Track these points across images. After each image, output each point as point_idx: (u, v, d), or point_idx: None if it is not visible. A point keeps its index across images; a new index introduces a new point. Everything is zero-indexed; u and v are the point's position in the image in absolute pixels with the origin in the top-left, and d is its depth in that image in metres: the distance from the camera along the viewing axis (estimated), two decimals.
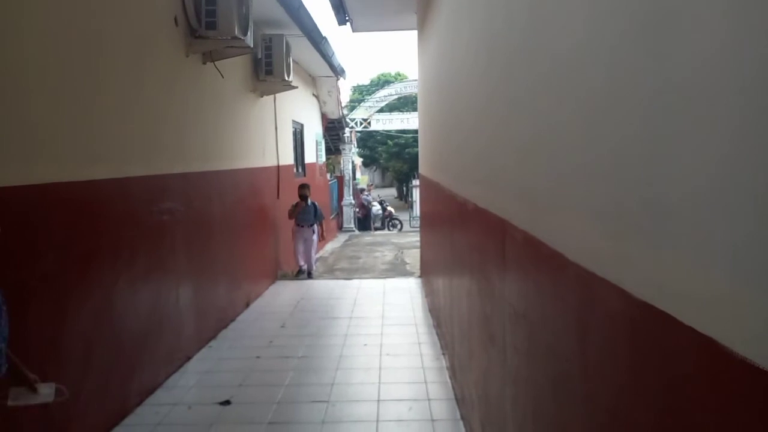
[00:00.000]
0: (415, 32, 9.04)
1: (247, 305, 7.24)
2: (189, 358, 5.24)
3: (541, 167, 1.82)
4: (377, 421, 4.05)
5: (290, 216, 9.09)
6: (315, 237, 9.34)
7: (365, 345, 5.75)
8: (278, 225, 9.12)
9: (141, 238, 4.40)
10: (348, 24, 9.27)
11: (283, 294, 8.08)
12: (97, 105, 3.78)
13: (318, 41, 9.23)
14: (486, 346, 2.96)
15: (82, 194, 3.58)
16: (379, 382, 4.73)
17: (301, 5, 7.50)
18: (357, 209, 19.97)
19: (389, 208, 22.77)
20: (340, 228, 18.50)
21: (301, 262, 9.35)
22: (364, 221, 20.73)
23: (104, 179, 3.84)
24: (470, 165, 3.47)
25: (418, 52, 8.46)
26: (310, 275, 9.36)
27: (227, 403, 4.34)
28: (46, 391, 2.58)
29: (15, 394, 2.49)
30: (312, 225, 9.27)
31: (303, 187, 9.21)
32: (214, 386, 4.69)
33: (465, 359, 3.92)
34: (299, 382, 4.77)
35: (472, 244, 3.39)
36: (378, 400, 4.38)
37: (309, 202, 9.13)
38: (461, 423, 3.94)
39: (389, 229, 20.93)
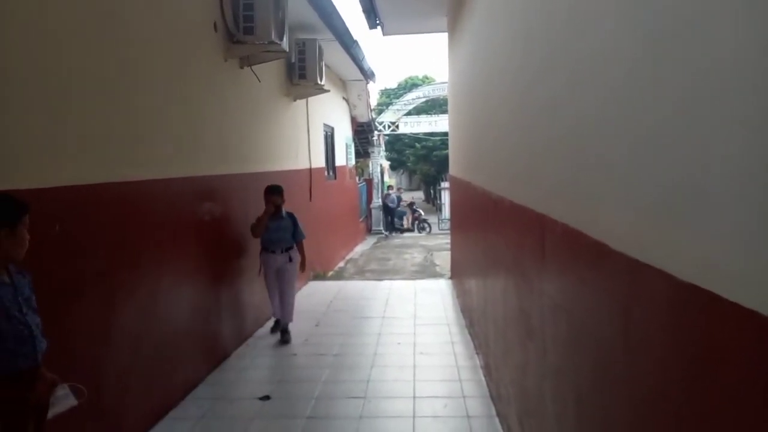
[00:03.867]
0: (444, 35, 9.12)
1: (298, 289, 7.35)
2: (228, 355, 5.37)
3: (579, 159, 1.87)
4: (413, 417, 4.11)
5: (255, 233, 5.91)
6: (293, 268, 6.08)
7: (399, 344, 5.83)
8: (311, 226, 9.22)
9: (184, 237, 4.55)
10: (379, 27, 9.38)
11: (316, 294, 8.19)
12: (142, 109, 3.93)
13: (349, 45, 9.36)
14: (524, 342, 3.01)
15: (129, 194, 3.72)
16: (414, 380, 4.80)
17: (334, 10, 7.63)
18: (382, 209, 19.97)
19: (419, 210, 22.89)
20: (369, 231, 18.63)
21: (277, 311, 6.20)
22: (390, 216, 20.71)
23: (149, 179, 3.99)
24: (505, 162, 3.52)
25: (448, 54, 8.52)
26: (285, 333, 5.99)
27: (267, 398, 4.45)
28: (61, 393, 2.44)
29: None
30: (288, 249, 6.02)
31: (273, 191, 5.96)
32: (254, 382, 4.82)
33: (501, 356, 3.97)
34: (335, 379, 4.86)
35: (508, 241, 3.44)
36: (413, 397, 4.44)
37: (284, 213, 6.08)
38: (497, 420, 3.99)
39: (419, 232, 20.98)
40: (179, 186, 4.46)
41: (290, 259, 6.03)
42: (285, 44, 5.94)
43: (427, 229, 21.27)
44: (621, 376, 1.55)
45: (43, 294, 2.56)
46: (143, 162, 3.93)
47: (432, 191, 37.21)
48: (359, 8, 8.54)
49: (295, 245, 6.13)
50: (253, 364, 5.30)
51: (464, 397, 4.44)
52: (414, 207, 23.16)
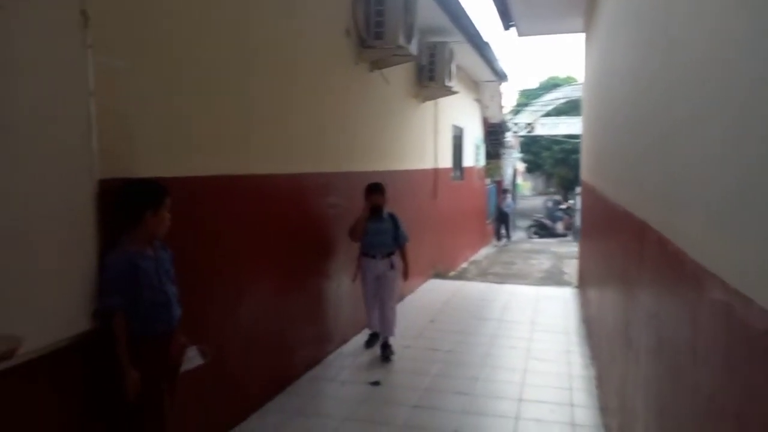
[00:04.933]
0: (583, 35, 8.85)
1: (401, 299, 7.61)
2: (345, 341, 5.71)
3: (667, 167, 1.86)
4: (517, 418, 4.14)
5: (353, 236, 5.41)
6: (394, 275, 5.50)
7: (512, 347, 5.82)
8: (434, 225, 9.40)
9: (309, 227, 4.93)
10: (513, 28, 9.32)
11: (434, 291, 8.35)
12: (276, 108, 4.33)
13: (481, 47, 9.40)
14: (624, 351, 2.95)
15: (258, 186, 4.13)
16: (523, 383, 4.80)
17: (464, 13, 7.73)
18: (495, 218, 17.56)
19: (575, 217, 22.16)
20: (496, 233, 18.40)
21: (374, 323, 5.68)
22: (505, 223, 17.64)
23: (278, 174, 4.38)
24: (619, 166, 3.45)
25: (585, 55, 8.28)
26: (386, 348, 5.40)
27: (377, 383, 4.70)
28: (191, 354, 2.89)
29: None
30: (390, 254, 5.47)
31: (373, 190, 5.42)
32: (366, 368, 5.09)
33: (608, 366, 3.88)
34: (444, 374, 5.00)
35: (618, 248, 3.37)
36: (519, 399, 4.46)
37: (385, 214, 5.47)
38: (603, 430, 3.89)
39: (574, 239, 20.18)
40: (306, 181, 4.83)
41: (392, 266, 5.47)
42: (413, 48, 6.15)
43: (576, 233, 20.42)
44: (690, 388, 1.54)
45: (183, 270, 2.98)
46: (274, 157, 4.33)
47: (569, 196, 35.93)
48: (494, 9, 8.58)
49: (397, 250, 5.55)
50: (367, 351, 5.58)
51: (572, 405, 4.37)
52: (570, 212, 22.48)
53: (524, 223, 22.34)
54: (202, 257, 3.50)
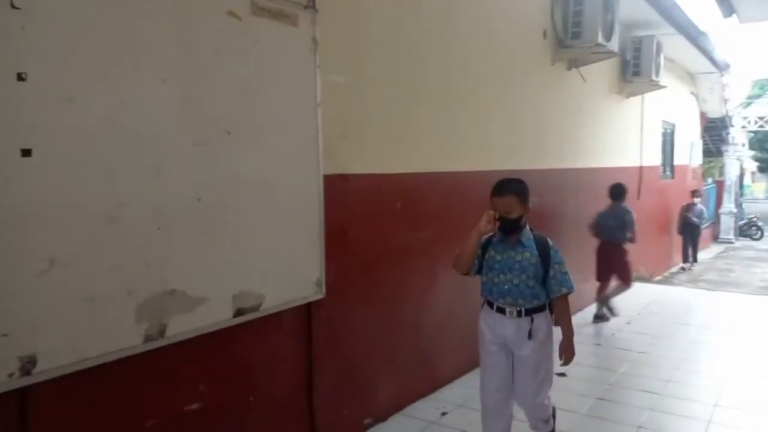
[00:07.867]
0: None
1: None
2: None
3: None
4: (709, 422, 4.01)
5: (457, 264, 3.19)
6: (539, 353, 2.98)
7: (714, 353, 5.55)
8: (637, 225, 8.99)
9: None
10: (734, 16, 8.56)
11: (634, 295, 7.99)
12: (478, 111, 4.75)
13: (695, 37, 8.81)
14: None
15: (458, 181, 4.55)
16: (721, 389, 4.59)
17: (674, 4, 7.37)
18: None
19: None
20: (715, 238, 16.73)
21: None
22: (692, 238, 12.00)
23: (471, 171, 4.75)
24: None
25: None
26: None
27: (563, 375, 4.83)
28: None
29: None
30: (531, 311, 2.94)
31: (502, 191, 2.97)
32: (554, 360, 5.24)
33: None
34: (633, 373, 4.96)
35: None
36: (715, 405, 4.29)
37: (524, 237, 3.01)
38: None
39: None
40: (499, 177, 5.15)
41: (530, 335, 2.95)
42: (613, 44, 6.11)
43: None
44: None
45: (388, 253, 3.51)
46: (473, 155, 4.75)
47: None
48: None
49: (546, 305, 3.02)
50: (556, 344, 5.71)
51: None
52: None
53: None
54: (404, 244, 4.03)
